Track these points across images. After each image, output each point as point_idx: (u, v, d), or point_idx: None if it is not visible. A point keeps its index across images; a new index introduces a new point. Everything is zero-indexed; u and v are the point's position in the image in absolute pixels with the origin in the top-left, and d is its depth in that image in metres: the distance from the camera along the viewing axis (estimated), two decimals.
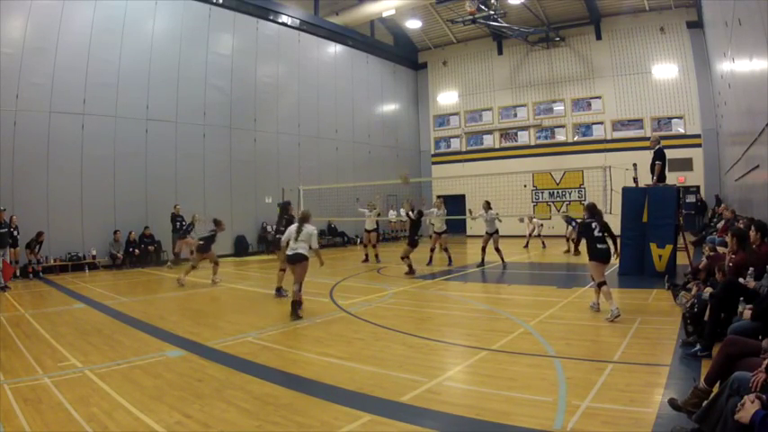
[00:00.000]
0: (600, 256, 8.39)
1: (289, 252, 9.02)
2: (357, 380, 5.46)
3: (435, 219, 15.94)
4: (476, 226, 24.79)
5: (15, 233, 14.54)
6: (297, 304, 8.81)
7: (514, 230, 25.34)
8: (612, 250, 8.54)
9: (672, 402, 4.23)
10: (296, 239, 8.97)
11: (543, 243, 21.19)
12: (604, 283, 8.18)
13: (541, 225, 21.79)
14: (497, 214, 15.76)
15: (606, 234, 8.49)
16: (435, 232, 16.11)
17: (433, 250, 16.49)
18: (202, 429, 4.32)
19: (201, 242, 13.23)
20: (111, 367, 6.05)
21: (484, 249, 15.93)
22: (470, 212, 19.50)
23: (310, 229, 9.08)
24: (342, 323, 8.43)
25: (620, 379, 5.19)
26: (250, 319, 8.94)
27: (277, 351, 6.78)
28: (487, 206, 15.71)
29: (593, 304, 8.57)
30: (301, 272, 8.97)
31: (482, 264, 15.69)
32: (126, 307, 10.18)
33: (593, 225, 8.49)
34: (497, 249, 15.65)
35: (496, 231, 15.71)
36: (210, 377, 5.69)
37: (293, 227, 9.20)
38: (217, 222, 13.35)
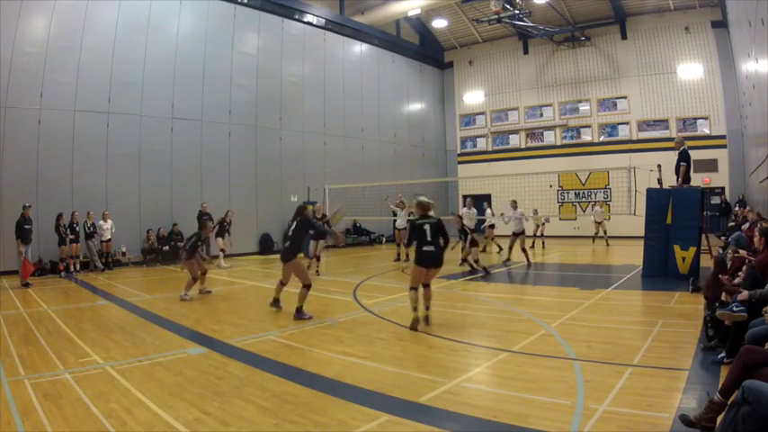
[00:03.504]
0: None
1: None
2: (376, 380, 5.42)
3: (466, 218, 15.71)
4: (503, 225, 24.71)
5: (77, 228, 15.37)
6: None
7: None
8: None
9: (683, 419, 3.98)
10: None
11: (543, 243, 21.03)
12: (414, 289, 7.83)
13: (546, 222, 21.55)
14: (523, 214, 15.80)
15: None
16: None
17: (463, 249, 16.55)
18: (220, 426, 4.31)
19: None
20: (131, 364, 6.08)
21: (511, 248, 16.08)
22: (502, 216, 19.43)
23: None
24: (364, 323, 8.38)
25: (639, 383, 5.10)
26: (273, 317, 8.93)
27: (298, 350, 6.75)
28: (514, 205, 15.83)
29: None
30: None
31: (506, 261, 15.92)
32: (149, 304, 10.28)
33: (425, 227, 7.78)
34: (524, 249, 15.72)
35: (523, 231, 15.83)
36: (230, 375, 5.69)
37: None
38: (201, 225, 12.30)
